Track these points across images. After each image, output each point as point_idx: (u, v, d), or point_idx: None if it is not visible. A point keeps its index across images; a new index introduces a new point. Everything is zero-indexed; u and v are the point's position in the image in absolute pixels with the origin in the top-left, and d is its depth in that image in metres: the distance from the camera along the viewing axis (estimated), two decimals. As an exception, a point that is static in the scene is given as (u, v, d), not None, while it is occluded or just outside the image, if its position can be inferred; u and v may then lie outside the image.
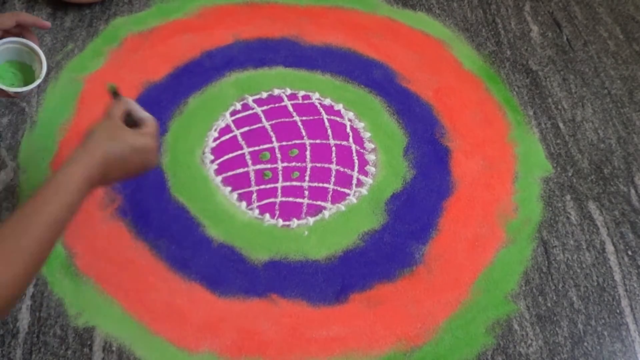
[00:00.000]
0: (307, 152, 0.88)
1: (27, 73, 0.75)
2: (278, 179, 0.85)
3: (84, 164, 0.63)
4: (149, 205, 0.81)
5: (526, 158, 0.91)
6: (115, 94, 0.72)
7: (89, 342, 0.70)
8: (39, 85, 0.74)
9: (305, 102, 0.94)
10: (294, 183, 0.85)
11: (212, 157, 0.87)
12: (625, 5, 1.14)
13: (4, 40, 0.72)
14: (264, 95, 0.94)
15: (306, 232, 0.81)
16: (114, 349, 0.70)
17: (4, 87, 0.71)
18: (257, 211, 0.82)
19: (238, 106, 0.92)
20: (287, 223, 0.82)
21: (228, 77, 0.95)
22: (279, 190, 0.84)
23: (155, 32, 1.00)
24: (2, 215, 0.79)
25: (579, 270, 0.81)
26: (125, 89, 0.92)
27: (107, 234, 0.78)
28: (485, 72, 1.01)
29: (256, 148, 0.88)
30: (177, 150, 0.87)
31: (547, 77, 1.01)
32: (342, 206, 0.84)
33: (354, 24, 1.05)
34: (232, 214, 0.82)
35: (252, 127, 0.90)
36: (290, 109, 0.93)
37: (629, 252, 0.83)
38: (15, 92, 0.72)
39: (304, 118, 0.92)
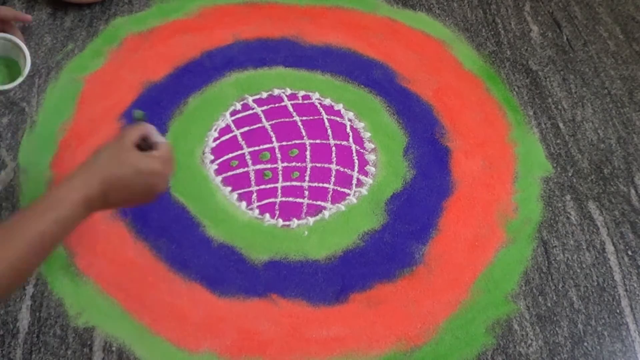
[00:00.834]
0: (307, 152, 0.88)
1: (13, 69, 0.73)
2: (278, 179, 0.85)
3: (83, 182, 0.61)
4: (149, 205, 0.81)
5: (526, 158, 0.91)
6: (140, 120, 0.70)
7: (89, 342, 0.70)
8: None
9: (305, 102, 0.94)
10: (294, 183, 0.85)
11: (212, 157, 0.87)
12: (625, 5, 1.14)
13: None
14: (264, 95, 0.94)
15: (306, 232, 0.81)
16: (114, 349, 0.70)
17: None
18: (257, 211, 0.82)
19: (238, 106, 0.92)
20: (287, 223, 0.82)
21: (228, 77, 0.95)
22: (279, 190, 0.84)
23: (155, 32, 1.00)
24: (1, 215, 0.79)
25: (579, 270, 0.81)
26: (125, 89, 0.92)
27: (107, 234, 0.78)
28: (485, 72, 1.01)
29: (256, 148, 0.88)
30: (177, 150, 0.87)
31: (547, 77, 1.01)
32: (342, 206, 0.84)
33: (354, 24, 1.05)
34: (232, 214, 0.82)
35: (252, 127, 0.90)
36: (290, 109, 0.93)
37: (629, 252, 0.83)
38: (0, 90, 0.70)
39: (304, 118, 0.92)
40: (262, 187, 0.84)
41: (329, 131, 0.91)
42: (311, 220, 0.82)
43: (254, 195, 0.83)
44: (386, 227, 0.82)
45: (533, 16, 1.11)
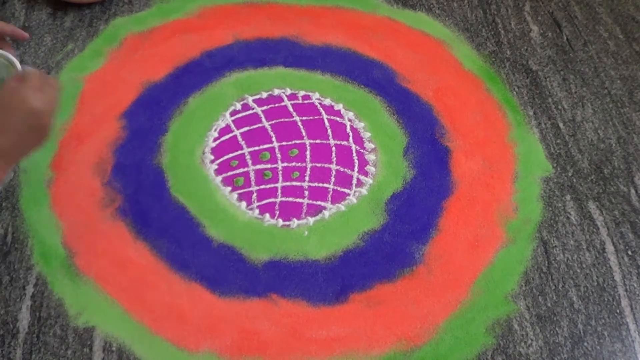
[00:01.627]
0: (307, 152, 0.88)
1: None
2: (278, 179, 0.85)
3: None
4: (149, 205, 0.81)
5: (526, 158, 0.91)
6: None
7: (89, 342, 0.70)
8: None
9: (305, 102, 0.94)
10: (294, 183, 0.85)
11: (212, 157, 0.87)
12: (625, 5, 1.14)
13: None
14: (264, 95, 0.94)
15: (306, 232, 0.81)
16: (114, 349, 0.70)
17: None
18: (257, 211, 0.82)
19: (238, 106, 0.92)
20: (287, 223, 0.82)
21: (228, 77, 0.95)
22: (279, 190, 0.84)
23: (155, 32, 1.00)
24: (1, 215, 0.79)
25: (579, 270, 0.81)
26: (125, 89, 0.92)
27: (107, 234, 0.78)
28: (485, 72, 1.01)
29: (256, 148, 0.88)
30: (177, 150, 0.87)
31: (547, 77, 1.01)
32: (342, 206, 0.84)
33: (354, 24, 1.05)
34: (232, 214, 0.82)
35: (252, 127, 0.90)
36: (290, 109, 0.93)
37: (629, 252, 0.83)
38: None
39: (304, 118, 0.92)
40: (262, 187, 0.84)
41: (329, 131, 0.91)
42: (311, 220, 0.82)
43: (254, 195, 0.83)
44: (386, 227, 0.82)
45: (533, 16, 1.11)
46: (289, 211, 0.83)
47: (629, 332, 0.76)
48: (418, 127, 0.92)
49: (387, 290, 0.77)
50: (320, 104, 0.94)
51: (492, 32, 1.07)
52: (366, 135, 0.91)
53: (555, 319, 0.77)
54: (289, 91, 0.95)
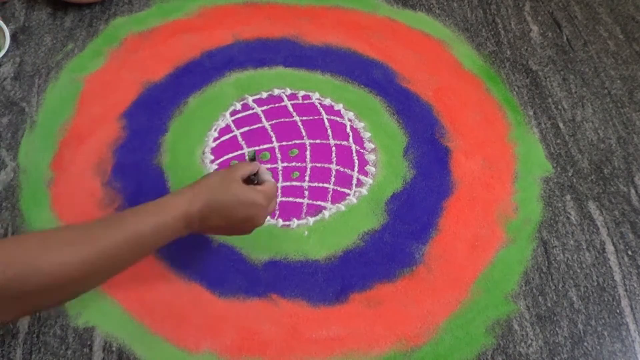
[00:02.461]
0: (307, 152, 0.88)
1: None
2: (278, 179, 0.85)
3: (187, 199, 0.64)
4: (149, 205, 0.81)
5: (526, 158, 0.91)
6: (252, 159, 0.74)
7: (89, 342, 0.70)
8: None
9: (305, 102, 0.94)
10: (294, 183, 0.85)
11: (212, 157, 0.87)
12: (625, 5, 1.14)
13: None
14: (264, 95, 0.94)
15: (306, 232, 0.81)
16: (114, 349, 0.70)
17: None
18: (257, 211, 0.82)
19: (238, 106, 0.92)
20: (287, 223, 0.82)
21: (228, 77, 0.95)
22: (279, 190, 0.84)
23: (155, 32, 1.00)
24: (1, 215, 0.79)
25: (579, 270, 0.81)
26: (125, 89, 0.92)
27: (107, 234, 0.78)
28: (485, 72, 1.01)
29: (256, 148, 0.88)
30: (177, 150, 0.87)
31: (547, 77, 1.01)
32: (342, 206, 0.84)
33: (354, 24, 1.05)
34: (232, 214, 0.82)
35: (252, 127, 0.90)
36: (290, 109, 0.93)
37: (629, 252, 0.83)
38: None
39: (304, 118, 0.92)
40: (262, 187, 0.84)
41: (329, 131, 0.91)
42: (311, 220, 0.82)
43: (254, 195, 0.83)
44: (386, 227, 0.82)
45: (533, 16, 1.11)
46: (289, 211, 0.83)
47: (629, 332, 0.76)
48: (418, 127, 0.92)
49: (387, 290, 0.77)
50: (320, 104, 0.94)
51: (492, 32, 1.07)
52: (366, 135, 0.91)
53: (555, 319, 0.77)
54: (289, 91, 0.95)
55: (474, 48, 1.04)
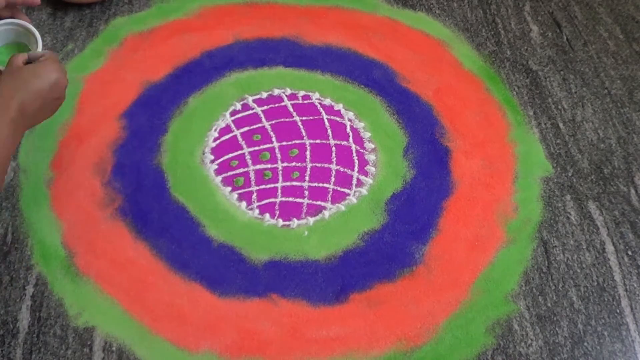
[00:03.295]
0: (307, 152, 0.88)
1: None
2: (278, 179, 0.85)
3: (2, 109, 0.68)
4: (149, 205, 0.81)
5: (526, 158, 0.91)
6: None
7: (89, 342, 0.70)
8: None
9: (305, 102, 0.94)
10: (294, 183, 0.85)
11: (212, 157, 0.87)
12: (625, 5, 1.14)
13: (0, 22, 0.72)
14: (264, 95, 0.94)
15: (306, 232, 0.81)
16: (114, 349, 0.70)
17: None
18: (257, 211, 0.82)
19: (238, 106, 0.92)
20: (287, 223, 0.82)
21: (228, 77, 0.95)
22: (279, 190, 0.84)
23: (155, 32, 1.00)
24: (1, 215, 0.79)
25: (579, 270, 0.81)
26: (125, 89, 0.92)
27: (107, 234, 0.78)
28: (485, 72, 1.01)
29: (256, 148, 0.88)
30: (177, 150, 0.87)
31: (547, 77, 1.01)
32: (342, 206, 0.84)
33: (354, 24, 1.05)
34: (232, 214, 0.82)
35: (252, 127, 0.90)
36: (290, 109, 0.93)
37: (629, 252, 0.83)
38: None
39: (304, 118, 0.92)
40: (262, 187, 0.84)
41: (329, 131, 0.91)
42: (311, 220, 0.82)
43: (254, 195, 0.83)
44: (386, 227, 0.82)
45: (533, 16, 1.11)
46: (289, 211, 0.83)
47: (629, 332, 0.76)
48: (418, 127, 0.92)
49: (387, 290, 0.77)
50: (320, 104, 0.94)
51: (492, 32, 1.07)
52: (366, 135, 0.91)
53: (555, 319, 0.77)
54: (289, 91, 0.95)
55: (474, 48, 1.04)
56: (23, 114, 0.69)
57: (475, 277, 0.79)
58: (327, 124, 0.91)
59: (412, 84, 0.97)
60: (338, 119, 0.92)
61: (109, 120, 0.89)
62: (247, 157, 0.87)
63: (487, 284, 0.79)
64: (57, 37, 0.97)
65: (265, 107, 0.92)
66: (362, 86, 0.96)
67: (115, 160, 0.85)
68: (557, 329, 0.76)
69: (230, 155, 0.87)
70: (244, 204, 0.83)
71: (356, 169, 0.87)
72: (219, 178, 0.85)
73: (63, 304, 0.73)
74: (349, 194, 0.85)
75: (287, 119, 0.91)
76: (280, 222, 0.82)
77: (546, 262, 0.81)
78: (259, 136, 0.89)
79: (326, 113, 0.93)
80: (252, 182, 0.84)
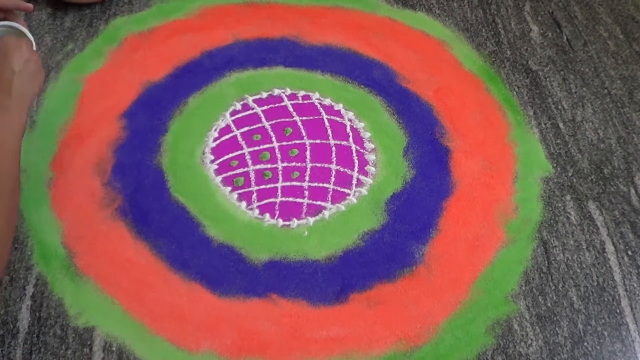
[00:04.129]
0: (307, 152, 0.88)
1: None
2: (278, 179, 0.85)
3: None
4: (149, 205, 0.81)
5: (526, 158, 0.91)
6: None
7: (89, 342, 0.70)
8: None
9: (305, 102, 0.94)
10: (294, 183, 0.85)
11: (212, 157, 0.87)
12: (625, 5, 1.14)
13: None
14: (264, 95, 0.94)
15: (306, 232, 0.81)
16: (114, 349, 0.70)
17: None
18: (257, 211, 0.82)
19: (238, 106, 0.92)
20: (287, 223, 0.82)
21: (228, 77, 0.95)
22: (279, 190, 0.84)
23: (155, 32, 1.00)
24: (2, 215, 0.79)
25: (579, 270, 0.81)
26: (125, 89, 0.92)
27: (107, 234, 0.78)
28: (485, 72, 1.01)
29: (256, 148, 0.88)
30: (177, 150, 0.87)
31: (547, 77, 1.01)
32: (342, 206, 0.84)
33: (354, 24, 1.05)
34: (232, 214, 0.82)
35: (252, 127, 0.90)
36: (290, 109, 0.93)
37: (629, 252, 0.83)
38: None
39: (304, 118, 0.92)
40: (262, 187, 0.84)
41: (329, 131, 0.91)
42: (311, 220, 0.82)
43: (254, 195, 0.83)
44: (386, 227, 0.82)
45: (533, 16, 1.11)
46: (289, 211, 0.83)
47: (629, 332, 0.76)
48: (418, 127, 0.92)
49: (387, 290, 0.77)
50: (320, 104, 0.94)
51: (492, 32, 1.07)
52: (366, 135, 0.91)
53: (555, 319, 0.77)
54: (289, 91, 0.95)
55: (474, 48, 1.04)
56: (8, 92, 0.68)
57: (475, 277, 0.79)
58: (327, 124, 0.91)
59: (412, 84, 0.97)
60: (338, 119, 0.92)
61: (109, 120, 0.89)
62: (247, 157, 0.87)
63: (487, 284, 0.79)
64: (57, 37, 0.97)
65: (265, 107, 0.92)
66: (362, 86, 0.96)
67: (116, 160, 0.85)
68: (557, 329, 0.76)
69: (230, 155, 0.87)
70: (244, 204, 0.83)
71: (356, 169, 0.87)
72: (219, 178, 0.85)
73: (63, 304, 0.73)
74: (349, 194, 0.85)
75: (287, 119, 0.91)
76: (280, 222, 0.82)
77: (546, 262, 0.81)
78: (259, 136, 0.89)
79: (326, 113, 0.93)
80: (252, 182, 0.84)
